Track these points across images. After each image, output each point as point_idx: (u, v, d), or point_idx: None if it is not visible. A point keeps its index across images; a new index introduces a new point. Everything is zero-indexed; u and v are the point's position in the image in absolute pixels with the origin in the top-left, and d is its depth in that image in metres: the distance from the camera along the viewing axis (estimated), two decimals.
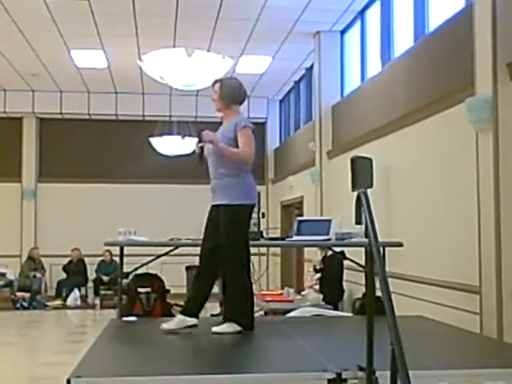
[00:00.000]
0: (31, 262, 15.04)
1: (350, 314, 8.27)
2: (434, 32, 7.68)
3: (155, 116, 15.41)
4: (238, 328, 4.77)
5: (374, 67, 9.78)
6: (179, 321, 4.87)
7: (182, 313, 4.93)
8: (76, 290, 14.56)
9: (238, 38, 11.23)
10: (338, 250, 8.13)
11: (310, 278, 10.31)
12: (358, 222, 3.44)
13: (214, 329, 4.79)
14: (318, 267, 9.95)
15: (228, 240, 4.79)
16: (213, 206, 4.93)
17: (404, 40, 8.69)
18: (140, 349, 4.43)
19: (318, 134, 11.57)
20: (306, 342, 4.56)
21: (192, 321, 4.86)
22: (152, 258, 6.45)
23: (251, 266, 4.95)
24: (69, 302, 14.28)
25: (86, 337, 10.00)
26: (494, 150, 5.88)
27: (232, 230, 4.79)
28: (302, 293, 10.04)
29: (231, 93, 4.93)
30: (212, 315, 9.83)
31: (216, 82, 5.02)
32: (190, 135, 14.04)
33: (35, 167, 16.11)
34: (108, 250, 14.29)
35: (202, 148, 4.84)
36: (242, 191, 4.82)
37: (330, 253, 9.36)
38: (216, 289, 10.80)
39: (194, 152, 5.01)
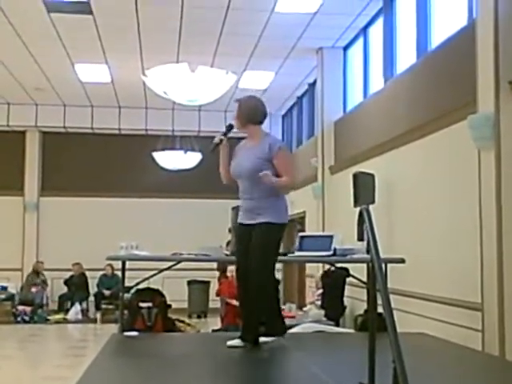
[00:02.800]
0: (35, 275, 15.03)
1: (351, 331, 8.25)
2: (437, 49, 7.70)
3: (158, 130, 15.44)
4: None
5: (377, 83, 9.81)
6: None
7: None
8: (77, 304, 14.53)
9: (242, 53, 11.28)
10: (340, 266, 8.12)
11: (312, 293, 10.29)
12: (360, 239, 3.44)
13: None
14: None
15: (261, 258, 4.76)
16: (245, 224, 4.89)
17: (406, 57, 8.72)
18: (141, 364, 4.42)
19: (320, 149, 11.60)
20: (307, 358, 4.55)
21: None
22: (154, 272, 6.44)
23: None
24: (70, 315, 14.24)
25: (86, 351, 9.98)
26: (496, 168, 5.88)
27: (265, 249, 4.79)
28: (304, 309, 10.02)
29: (248, 112, 4.92)
30: (213, 330, 9.81)
31: (236, 100, 5.03)
32: (192, 150, 14.08)
33: (38, 181, 16.12)
34: (109, 264, 14.26)
35: (221, 140, 4.96)
36: (279, 212, 4.83)
37: (332, 269, 9.34)
38: (218, 304, 10.79)
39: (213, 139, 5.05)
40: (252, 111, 4.94)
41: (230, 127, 5.04)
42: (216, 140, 5.00)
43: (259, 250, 4.76)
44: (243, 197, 4.93)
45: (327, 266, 9.88)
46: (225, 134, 5.01)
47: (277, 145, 4.86)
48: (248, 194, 4.87)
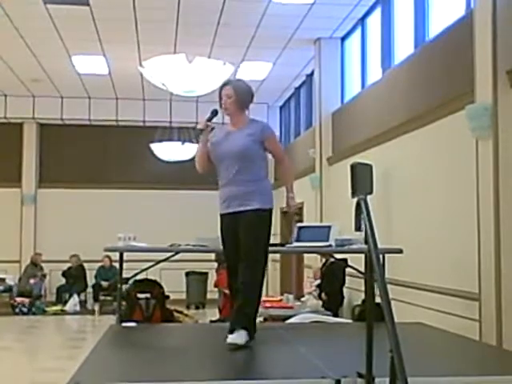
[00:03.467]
0: (33, 267, 15.04)
1: (349, 321, 8.26)
2: (435, 39, 7.69)
3: (156, 122, 15.42)
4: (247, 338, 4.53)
5: (375, 74, 9.80)
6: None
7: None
8: (75, 296, 14.54)
9: (239, 44, 11.25)
10: (339, 257, 8.13)
11: (310, 284, 10.30)
12: (358, 229, 3.44)
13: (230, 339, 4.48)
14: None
15: (255, 244, 4.58)
16: (231, 213, 4.69)
17: (404, 47, 8.70)
18: (139, 355, 4.43)
19: (318, 140, 11.59)
20: (305, 348, 4.55)
21: None
22: (152, 263, 6.45)
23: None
24: (68, 307, 14.26)
25: (85, 342, 10.00)
26: (493, 158, 5.89)
27: (259, 235, 4.62)
28: (302, 299, 10.03)
29: (244, 99, 4.82)
30: (211, 321, 9.83)
31: (225, 84, 4.86)
32: (190, 141, 14.06)
33: (35, 173, 16.12)
34: (107, 256, 14.28)
35: (207, 126, 4.87)
36: (267, 196, 4.72)
37: (331, 260, 9.35)
38: (216, 295, 10.78)
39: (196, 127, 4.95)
40: (248, 96, 4.85)
41: (215, 112, 4.94)
42: (201, 126, 4.84)
43: (256, 242, 4.59)
44: (231, 181, 4.69)
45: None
46: (209, 120, 4.91)
47: (269, 129, 4.93)
48: (239, 175, 4.66)
